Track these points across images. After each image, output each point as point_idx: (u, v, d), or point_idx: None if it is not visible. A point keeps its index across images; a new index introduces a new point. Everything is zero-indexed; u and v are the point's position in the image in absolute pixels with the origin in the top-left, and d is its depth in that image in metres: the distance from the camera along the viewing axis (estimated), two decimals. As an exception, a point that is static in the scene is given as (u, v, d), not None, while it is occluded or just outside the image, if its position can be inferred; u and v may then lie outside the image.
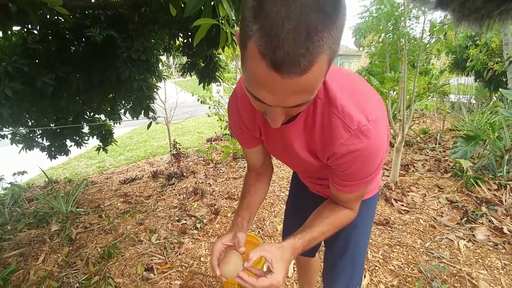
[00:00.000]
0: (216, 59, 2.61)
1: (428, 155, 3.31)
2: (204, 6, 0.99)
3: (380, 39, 2.98)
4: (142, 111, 2.61)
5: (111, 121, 3.13)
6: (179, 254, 1.82)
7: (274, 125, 0.49)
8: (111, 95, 2.87)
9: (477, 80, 5.66)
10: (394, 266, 1.55)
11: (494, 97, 5.22)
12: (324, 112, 0.56)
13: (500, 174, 2.50)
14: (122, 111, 3.01)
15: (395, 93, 3.22)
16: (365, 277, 1.49)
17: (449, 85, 6.05)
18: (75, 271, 1.69)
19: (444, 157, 3.14)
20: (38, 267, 1.79)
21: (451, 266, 1.50)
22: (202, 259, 1.77)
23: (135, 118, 2.61)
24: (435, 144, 3.56)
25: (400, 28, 2.40)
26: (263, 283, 0.56)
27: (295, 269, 1.61)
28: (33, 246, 2.03)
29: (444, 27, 2.55)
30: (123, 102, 2.80)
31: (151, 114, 2.67)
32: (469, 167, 2.62)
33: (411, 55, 2.53)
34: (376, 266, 1.57)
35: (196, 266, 1.71)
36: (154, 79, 2.79)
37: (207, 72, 2.60)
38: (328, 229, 0.67)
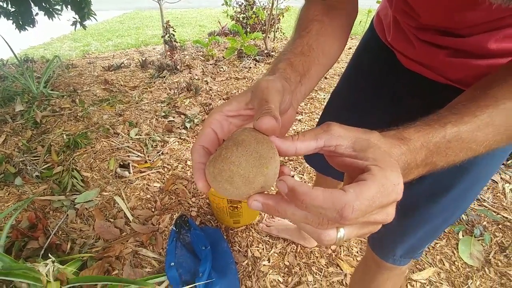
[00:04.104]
0: None
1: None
2: None
3: None
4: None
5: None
6: (162, 153, 1.51)
7: None
8: None
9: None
10: (421, 202, 1.27)
11: None
12: None
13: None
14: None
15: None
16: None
17: None
18: (35, 158, 1.41)
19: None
20: (-4, 148, 1.51)
21: (494, 212, 1.22)
22: (188, 163, 1.47)
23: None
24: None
25: None
26: (359, 197, 0.18)
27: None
28: (-8, 125, 1.70)
29: None
30: None
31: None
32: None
33: None
34: (398, 198, 1.29)
35: (181, 170, 1.43)
36: None
37: None
38: (505, 121, 0.25)
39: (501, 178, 1.44)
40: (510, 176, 1.46)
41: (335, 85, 0.65)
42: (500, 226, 1.15)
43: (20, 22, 2.81)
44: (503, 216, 1.19)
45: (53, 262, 0.86)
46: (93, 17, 2.94)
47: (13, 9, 2.70)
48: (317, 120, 1.62)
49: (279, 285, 0.93)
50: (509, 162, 1.57)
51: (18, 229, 1.08)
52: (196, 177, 0.24)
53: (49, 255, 0.88)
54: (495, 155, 0.42)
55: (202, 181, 0.23)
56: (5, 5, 2.65)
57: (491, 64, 0.36)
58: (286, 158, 1.51)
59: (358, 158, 0.21)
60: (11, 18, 2.73)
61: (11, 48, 2.73)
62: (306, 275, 0.96)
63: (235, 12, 3.67)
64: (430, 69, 0.42)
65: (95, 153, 1.47)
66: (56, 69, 2.84)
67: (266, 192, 0.22)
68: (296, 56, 0.32)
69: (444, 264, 1.01)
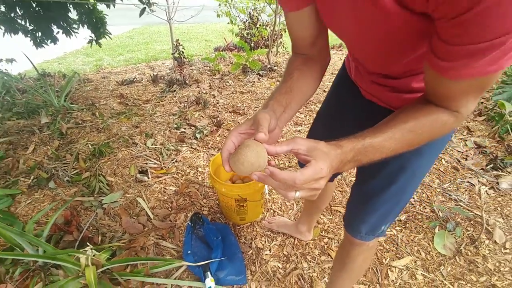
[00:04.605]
0: None
1: (461, 94, 2.90)
2: None
3: None
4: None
5: (101, 1, 2.59)
6: (176, 161, 1.71)
7: None
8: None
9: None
10: (404, 202, 1.44)
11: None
12: None
13: (543, 124, 2.17)
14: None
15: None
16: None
17: None
18: (65, 165, 1.61)
19: (480, 99, 2.75)
20: (28, 157, 1.71)
21: (468, 210, 1.38)
22: (199, 169, 1.66)
23: None
24: (474, 82, 3.08)
25: None
26: (302, 174, 0.37)
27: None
28: (22, 136, 1.91)
29: None
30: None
31: (146, -4, 2.15)
32: (511, 112, 2.27)
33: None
34: (384, 199, 1.46)
35: (193, 175, 1.61)
36: None
37: None
38: (404, 134, 0.43)
39: (478, 181, 1.61)
40: (486, 180, 1.63)
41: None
42: (472, 222, 1.31)
43: (38, 40, 3.05)
44: (476, 214, 1.35)
45: (91, 249, 1.04)
46: (108, 36, 3.20)
47: (31, 27, 2.96)
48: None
49: (278, 271, 1.10)
50: (488, 167, 1.74)
51: (56, 225, 1.26)
52: (224, 164, 0.44)
53: (87, 243, 1.06)
54: (424, 158, 0.60)
55: (227, 166, 0.44)
56: (23, 23, 2.90)
57: (414, 97, 0.55)
58: (287, 164, 1.70)
59: (308, 156, 0.39)
60: (29, 35, 2.98)
61: (33, 64, 2.99)
62: (301, 262, 1.13)
63: (239, 29, 3.93)
64: (380, 100, 0.61)
65: (117, 161, 1.67)
66: (74, 84, 3.08)
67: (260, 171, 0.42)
68: (281, 95, 0.51)
69: (420, 254, 1.17)
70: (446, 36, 0.33)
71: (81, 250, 1.05)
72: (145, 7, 2.32)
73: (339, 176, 1.59)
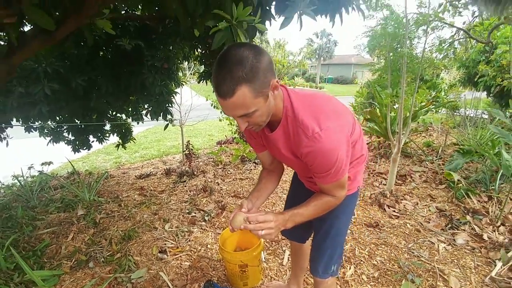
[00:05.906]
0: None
1: (427, 167, 3.45)
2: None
3: (387, 55, 3.16)
4: (161, 113, 2.91)
5: (133, 120, 3.43)
6: (189, 241, 2.07)
7: (241, 129, 0.78)
8: (133, 97, 3.18)
9: (490, 95, 5.68)
10: (377, 261, 1.75)
11: (508, 113, 5.16)
12: (293, 125, 0.82)
13: (493, 187, 2.63)
14: (144, 112, 3.31)
15: (396, 106, 3.39)
16: (350, 269, 1.70)
17: (458, 100, 6.07)
18: (100, 248, 1.97)
19: (442, 170, 3.28)
20: (68, 243, 2.08)
21: (428, 264, 1.69)
22: (208, 246, 2.01)
23: (154, 119, 2.90)
24: (436, 157, 3.69)
25: (402, 48, 2.59)
26: (260, 217, 0.83)
27: (289, 258, 1.83)
28: (63, 226, 2.32)
29: (454, 43, 2.68)
30: (145, 105, 3.09)
31: (168, 116, 2.96)
32: (463, 179, 2.77)
33: (412, 73, 2.70)
34: (361, 260, 1.77)
35: (203, 252, 1.95)
36: (173, 85, 3.09)
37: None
38: (312, 208, 0.89)
39: (437, 239, 1.95)
40: (444, 237, 1.97)
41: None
42: (430, 272, 1.61)
43: (77, 147, 3.78)
44: (433, 266, 1.65)
45: (129, 312, 1.33)
46: (133, 141, 3.98)
47: (73, 138, 3.72)
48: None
49: (276, 324, 1.35)
50: (446, 227, 2.11)
51: (95, 299, 1.55)
52: (230, 224, 0.90)
53: (126, 309, 1.35)
54: (341, 220, 1.05)
55: (231, 226, 0.89)
56: (66, 135, 3.67)
57: None
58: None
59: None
60: (70, 144, 3.72)
61: (73, 167, 3.61)
62: (294, 316, 1.39)
63: (236, 126, 4.82)
64: (311, 188, 1.12)
65: (142, 243, 2.04)
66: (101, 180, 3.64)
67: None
68: (256, 192, 1.02)
69: (391, 303, 1.44)
70: (312, 170, 0.86)
71: (120, 315, 1.33)
72: (168, 124, 3.12)
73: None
